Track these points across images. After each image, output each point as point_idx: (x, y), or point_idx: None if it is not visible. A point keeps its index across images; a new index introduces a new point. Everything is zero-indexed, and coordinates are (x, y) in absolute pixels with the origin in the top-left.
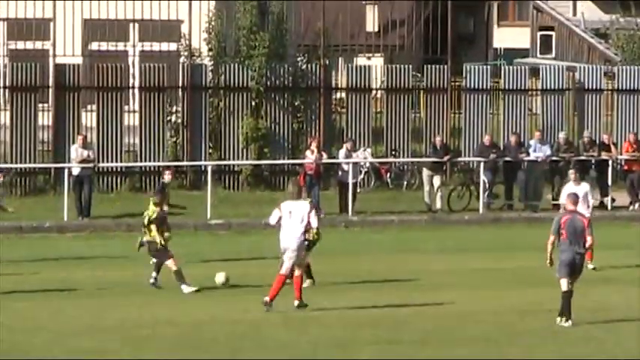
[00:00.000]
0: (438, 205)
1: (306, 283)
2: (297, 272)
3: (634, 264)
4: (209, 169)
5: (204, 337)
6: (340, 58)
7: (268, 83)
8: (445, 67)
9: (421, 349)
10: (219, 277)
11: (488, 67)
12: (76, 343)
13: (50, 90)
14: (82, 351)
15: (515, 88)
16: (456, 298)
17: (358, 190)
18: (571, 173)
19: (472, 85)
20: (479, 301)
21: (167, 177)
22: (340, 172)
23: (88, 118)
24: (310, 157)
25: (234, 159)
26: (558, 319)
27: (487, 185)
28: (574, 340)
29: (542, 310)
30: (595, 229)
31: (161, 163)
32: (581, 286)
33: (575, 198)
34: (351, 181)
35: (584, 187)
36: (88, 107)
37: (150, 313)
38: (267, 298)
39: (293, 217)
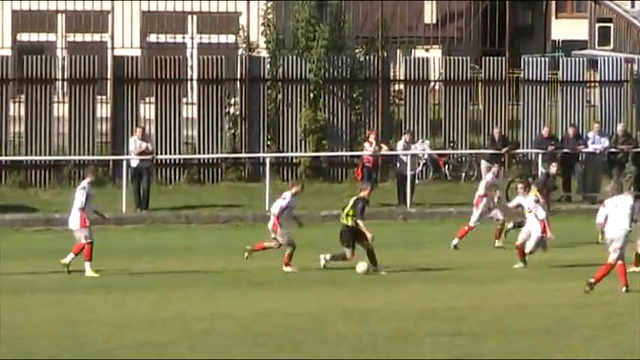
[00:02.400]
0: (498, 196)
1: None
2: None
3: None
4: (267, 161)
5: (264, 331)
6: (398, 50)
7: (326, 75)
8: (503, 59)
9: (481, 342)
10: (361, 267)
11: (547, 59)
12: (134, 336)
13: (108, 82)
14: (140, 344)
15: (573, 80)
16: (514, 290)
17: (416, 182)
18: None
19: (530, 77)
20: (537, 294)
21: None
22: (398, 164)
23: (147, 110)
24: (368, 149)
25: (292, 151)
26: None
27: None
28: (631, 332)
29: (600, 302)
30: None
31: (220, 155)
32: None
33: None
34: (409, 173)
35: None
36: (147, 99)
37: (209, 306)
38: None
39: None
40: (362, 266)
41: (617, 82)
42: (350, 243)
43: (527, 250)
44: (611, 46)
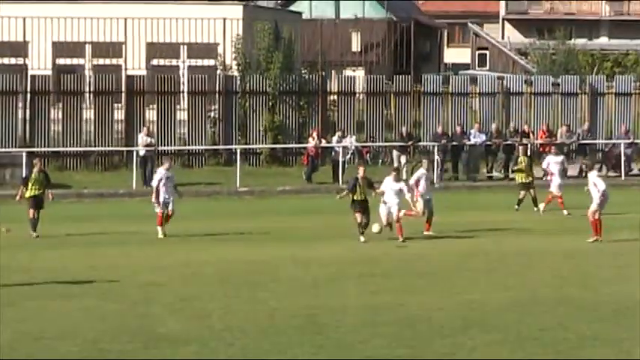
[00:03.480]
0: (404, 176)
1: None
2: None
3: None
4: (238, 151)
5: (231, 274)
6: (333, 71)
7: (281, 89)
8: (409, 76)
9: (390, 280)
10: (375, 227)
11: (440, 76)
12: (141, 278)
13: (123, 94)
14: (145, 284)
15: (459, 92)
16: (416, 243)
17: (346, 167)
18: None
19: (428, 90)
20: (433, 245)
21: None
22: (333, 153)
23: (151, 114)
24: (312, 143)
25: (256, 144)
26: None
27: (439, 162)
28: (505, 273)
29: (480, 252)
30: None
31: (203, 147)
32: None
33: None
34: (341, 159)
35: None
36: (151, 106)
37: (195, 256)
38: None
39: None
40: (376, 227)
41: (492, 94)
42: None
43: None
44: (488, 67)
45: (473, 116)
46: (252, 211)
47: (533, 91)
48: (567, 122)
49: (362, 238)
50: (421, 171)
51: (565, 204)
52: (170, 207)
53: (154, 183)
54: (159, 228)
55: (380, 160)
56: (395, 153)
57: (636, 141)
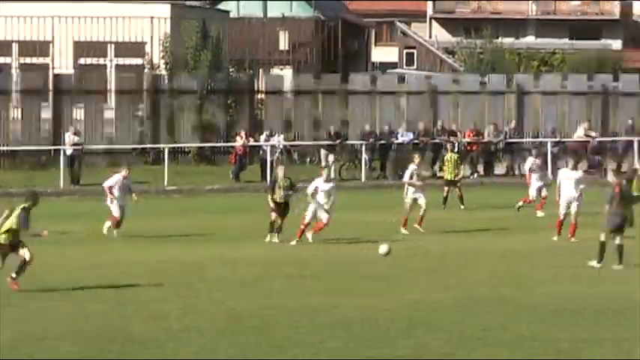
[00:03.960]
0: (332, 175)
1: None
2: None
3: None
4: (166, 150)
5: (164, 274)
6: (261, 69)
7: (209, 88)
8: (337, 75)
9: (319, 282)
10: (383, 249)
11: (368, 75)
12: (77, 275)
13: (50, 93)
14: (83, 281)
15: (387, 90)
16: (344, 246)
17: (274, 165)
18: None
19: (356, 89)
20: (363, 247)
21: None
22: (261, 152)
23: (78, 113)
24: (240, 141)
25: (184, 142)
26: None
27: (367, 161)
28: (445, 273)
29: (420, 253)
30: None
31: (131, 146)
32: None
33: None
34: (269, 158)
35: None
36: (78, 105)
37: (124, 254)
38: None
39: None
40: (383, 248)
41: (419, 93)
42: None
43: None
44: (415, 66)
45: (401, 115)
46: (181, 210)
47: (460, 89)
48: (494, 121)
49: (275, 239)
50: (412, 167)
51: (493, 203)
52: (125, 212)
53: (106, 184)
54: (114, 230)
55: (308, 159)
56: (323, 152)
57: (563, 139)
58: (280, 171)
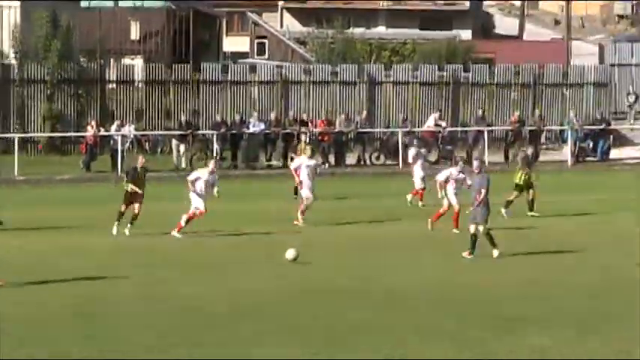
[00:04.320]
0: (183, 165)
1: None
2: None
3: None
4: (16, 139)
5: (4, 262)
6: (112, 59)
7: (59, 77)
8: (188, 65)
9: (163, 271)
10: (290, 254)
11: (219, 65)
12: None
13: None
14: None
15: (239, 80)
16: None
17: (125, 155)
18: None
19: (208, 79)
20: (209, 236)
21: None
22: (112, 142)
23: None
24: (90, 131)
25: (34, 132)
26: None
27: (218, 151)
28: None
29: (252, 241)
30: None
31: None
32: None
33: None
34: (119, 148)
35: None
36: None
37: None
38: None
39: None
40: (291, 253)
41: (271, 82)
42: None
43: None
44: (267, 56)
45: (252, 105)
46: (30, 200)
47: (312, 79)
48: (346, 111)
49: (125, 230)
50: (413, 151)
51: (344, 193)
52: None
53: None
54: None
55: (159, 149)
56: (174, 142)
57: (413, 129)
58: (140, 160)
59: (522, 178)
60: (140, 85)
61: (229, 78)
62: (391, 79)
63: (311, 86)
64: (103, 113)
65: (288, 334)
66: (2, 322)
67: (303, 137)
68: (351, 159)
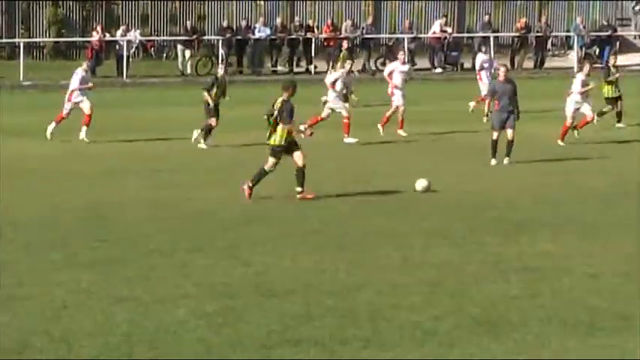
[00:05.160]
0: (189, 70)
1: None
2: None
3: None
4: (21, 44)
5: (13, 167)
6: None
7: None
8: None
9: (175, 176)
10: (420, 184)
11: None
12: None
13: None
14: None
15: None
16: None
17: (130, 60)
18: None
19: None
20: (218, 142)
21: None
22: (117, 47)
23: None
24: (96, 36)
25: (40, 37)
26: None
27: (224, 56)
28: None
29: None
30: None
31: None
32: None
33: None
34: (125, 53)
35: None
36: None
37: None
38: None
39: None
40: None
41: None
42: None
43: None
44: None
45: (258, 10)
46: (36, 104)
47: None
48: (351, 17)
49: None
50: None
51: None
52: None
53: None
54: None
55: (164, 54)
56: (179, 47)
57: (419, 35)
58: (220, 70)
59: (610, 91)
60: None
61: None
62: None
63: None
64: (109, 18)
65: (300, 238)
66: (14, 226)
67: (344, 44)
68: (356, 65)
